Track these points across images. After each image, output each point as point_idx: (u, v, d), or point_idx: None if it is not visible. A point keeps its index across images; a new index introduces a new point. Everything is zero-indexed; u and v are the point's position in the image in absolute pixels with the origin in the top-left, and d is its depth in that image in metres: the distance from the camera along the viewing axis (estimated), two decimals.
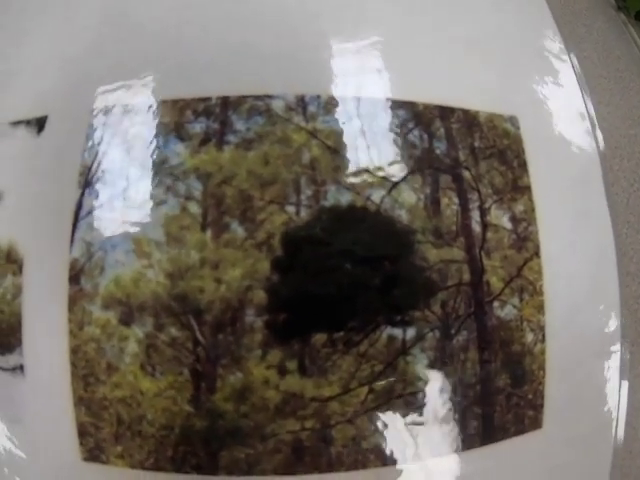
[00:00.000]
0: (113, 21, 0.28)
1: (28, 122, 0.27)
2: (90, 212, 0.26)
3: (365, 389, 0.26)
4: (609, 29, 0.36)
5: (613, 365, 0.31)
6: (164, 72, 0.27)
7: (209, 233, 0.26)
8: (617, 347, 0.31)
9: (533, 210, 0.29)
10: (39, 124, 0.27)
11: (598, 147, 0.32)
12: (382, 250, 0.26)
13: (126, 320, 0.25)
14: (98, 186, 0.26)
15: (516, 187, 0.29)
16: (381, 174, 0.27)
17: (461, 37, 0.30)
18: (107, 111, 0.27)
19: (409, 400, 0.26)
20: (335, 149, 0.27)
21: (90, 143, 0.26)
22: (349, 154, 0.27)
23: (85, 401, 0.26)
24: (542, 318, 0.29)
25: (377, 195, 0.27)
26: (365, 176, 0.27)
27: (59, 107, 0.27)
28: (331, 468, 0.26)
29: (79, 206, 0.26)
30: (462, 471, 0.28)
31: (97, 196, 0.26)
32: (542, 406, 0.29)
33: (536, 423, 0.29)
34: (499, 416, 0.28)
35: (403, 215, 0.27)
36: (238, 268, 0.25)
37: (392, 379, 0.26)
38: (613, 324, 0.31)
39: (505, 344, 0.28)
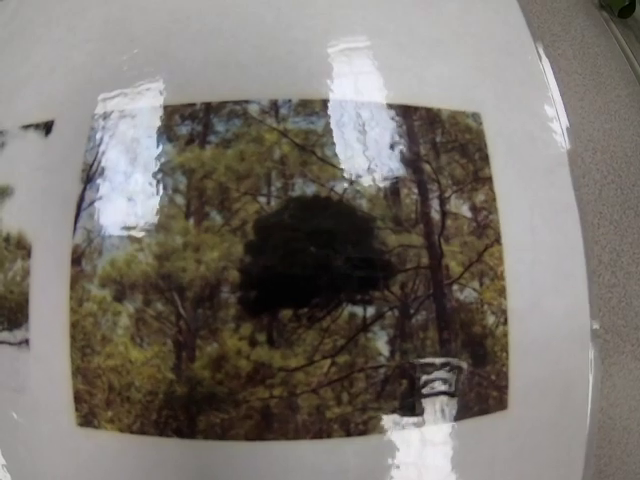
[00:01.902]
0: (112, 34, 0.33)
1: (37, 125, 0.32)
2: (91, 204, 0.31)
3: (328, 361, 0.29)
4: (589, 27, 0.38)
5: (583, 352, 0.33)
6: (156, 81, 0.31)
7: (192, 221, 0.30)
8: (587, 334, 0.33)
9: (494, 200, 0.32)
10: (47, 127, 0.32)
11: (565, 141, 0.34)
12: (344, 235, 0.29)
13: (119, 297, 0.30)
14: (98, 181, 0.31)
15: (477, 178, 0.32)
16: (344, 167, 0.30)
17: (426, 38, 0.33)
18: (106, 116, 0.31)
19: (371, 374, 0.29)
20: (303, 146, 0.30)
21: (91, 144, 0.31)
22: (315, 150, 0.30)
23: (82, 370, 0.30)
24: (504, 302, 0.31)
25: (340, 186, 0.30)
26: (329, 169, 0.30)
27: (64, 112, 0.32)
28: (297, 435, 0.29)
29: (81, 199, 0.31)
30: (425, 446, 0.30)
31: (97, 190, 0.31)
32: (506, 387, 0.31)
33: (501, 404, 0.31)
34: (462, 394, 0.30)
35: (364, 204, 0.30)
36: (216, 251, 0.29)
37: (354, 353, 0.29)
38: (582, 311, 0.33)
39: (465, 325, 0.31)
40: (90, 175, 0.32)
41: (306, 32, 0.33)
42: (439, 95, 0.33)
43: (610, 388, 0.34)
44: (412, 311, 0.30)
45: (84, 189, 0.32)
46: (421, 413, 0.30)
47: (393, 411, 0.30)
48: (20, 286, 0.31)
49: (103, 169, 0.32)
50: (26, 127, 0.33)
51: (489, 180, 0.32)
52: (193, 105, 0.31)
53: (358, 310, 0.29)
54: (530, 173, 0.33)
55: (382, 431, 0.30)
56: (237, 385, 0.29)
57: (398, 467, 0.30)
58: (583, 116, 0.36)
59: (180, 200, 0.30)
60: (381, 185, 0.31)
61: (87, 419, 0.30)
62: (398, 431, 0.30)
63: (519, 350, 0.32)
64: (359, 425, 0.30)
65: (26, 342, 0.31)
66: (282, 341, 0.29)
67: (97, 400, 0.30)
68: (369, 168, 0.31)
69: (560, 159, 0.34)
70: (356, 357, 0.29)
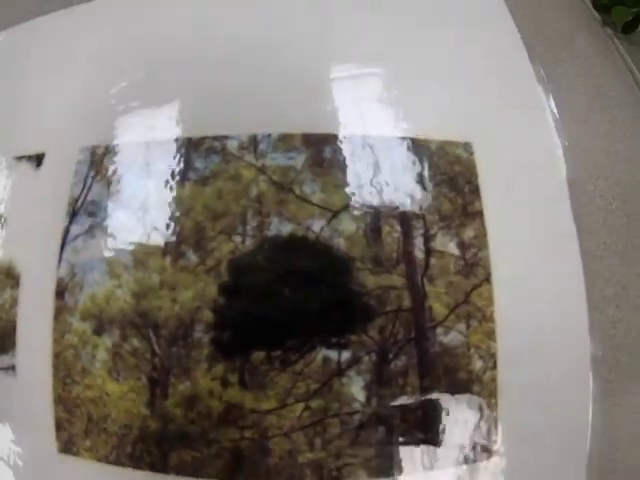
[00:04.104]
0: (102, 65, 0.33)
1: (29, 157, 0.33)
2: (75, 238, 0.32)
3: (301, 405, 0.28)
4: (591, 45, 0.35)
5: (584, 394, 0.31)
6: (140, 116, 0.32)
7: (168, 259, 0.30)
8: (587, 374, 0.31)
9: (485, 235, 0.30)
10: (38, 159, 0.33)
11: (566, 169, 0.32)
12: (319, 276, 0.29)
13: (98, 331, 0.30)
14: (83, 216, 0.32)
15: (466, 213, 0.30)
16: (322, 205, 0.29)
17: (418, 65, 0.32)
18: (93, 150, 0.32)
19: (345, 420, 0.29)
20: (280, 184, 0.30)
21: (77, 178, 0.32)
22: (293, 187, 0.30)
23: (62, 399, 0.31)
24: (493, 344, 0.30)
25: (317, 225, 0.29)
26: (307, 208, 0.30)
27: (54, 144, 0.33)
28: (269, 479, 0.28)
29: (66, 232, 0.32)
30: None
31: (81, 224, 0.32)
32: (495, 434, 0.30)
33: (487, 452, 0.30)
34: (444, 441, 0.29)
35: (342, 243, 0.29)
36: (190, 290, 0.29)
37: (328, 398, 0.28)
38: (583, 350, 0.31)
39: (450, 371, 0.29)
40: (75, 209, 0.33)
41: (290, 61, 0.32)
42: (429, 125, 0.31)
43: (613, 430, 0.32)
44: (391, 356, 0.29)
45: (70, 222, 0.33)
46: (399, 462, 0.29)
47: (369, 459, 0.29)
48: (8, 314, 0.32)
49: (87, 204, 0.32)
50: (19, 158, 0.34)
51: (479, 214, 0.31)
52: (175, 141, 0.31)
53: (333, 354, 0.29)
54: (526, 204, 0.31)
55: (357, 478, 0.29)
56: (208, 425, 0.29)
57: None
58: (586, 139, 0.34)
59: (158, 238, 0.31)
60: (361, 223, 0.30)
61: (67, 446, 0.31)
62: (374, 478, 0.29)
63: (509, 394, 0.30)
64: (332, 472, 0.29)
65: (12, 368, 0.32)
66: (254, 383, 0.29)
67: (76, 429, 0.31)
68: (349, 205, 0.30)
69: (560, 188, 0.32)
70: (330, 402, 0.29)
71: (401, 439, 0.30)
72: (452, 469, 0.30)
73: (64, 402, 0.32)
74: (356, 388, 0.29)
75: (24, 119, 0.36)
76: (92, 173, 0.33)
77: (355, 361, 0.29)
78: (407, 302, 0.30)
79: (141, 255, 0.31)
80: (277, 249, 0.30)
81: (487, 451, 0.30)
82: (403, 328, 0.30)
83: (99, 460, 0.31)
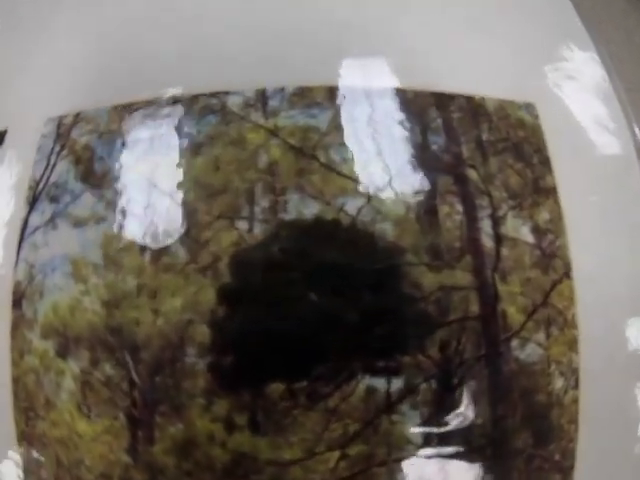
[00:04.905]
0: (78, 29, 0.17)
1: None
2: (34, 231, 0.16)
3: (336, 454, 0.13)
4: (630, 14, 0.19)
5: None
6: (114, 76, 0.15)
7: (147, 256, 0.14)
8: None
9: (561, 218, 0.15)
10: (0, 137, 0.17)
11: (635, 140, 0.16)
12: (359, 275, 0.13)
13: (63, 352, 0.15)
14: (44, 202, 0.16)
15: (538, 189, 0.15)
16: (358, 177, 0.13)
17: (460, 12, 0.16)
18: (59, 120, 0.15)
19: (395, 468, 0.13)
20: (300, 149, 0.14)
21: (40, 155, 0.16)
22: (317, 154, 0.14)
23: (27, 436, 0.15)
24: (575, 357, 0.15)
25: (353, 205, 0.14)
26: (337, 181, 0.14)
27: (18, 118, 0.16)
28: None
29: (25, 224, 0.15)
30: None
31: (42, 212, 0.16)
32: (572, 468, 0.14)
33: None
34: None
35: (388, 230, 0.13)
36: (178, 297, 0.13)
37: (373, 442, 0.13)
38: None
39: (527, 394, 0.14)
40: (36, 194, 0.16)
41: (306, 6, 0.16)
42: (481, 80, 0.16)
43: None
44: (456, 381, 0.14)
45: (29, 211, 0.16)
46: None
47: None
48: None
49: (50, 186, 0.16)
50: None
51: (553, 191, 0.15)
52: (158, 100, 0.15)
53: (379, 383, 0.13)
54: (598, 182, 0.16)
55: None
56: (211, 479, 0.13)
57: None
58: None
59: (134, 227, 0.14)
60: (411, 201, 0.14)
61: None
62: None
63: (590, 419, 0.15)
64: None
65: None
66: (270, 426, 0.13)
67: (46, 473, 0.15)
68: (393, 178, 0.14)
69: (630, 163, 0.16)
70: (376, 447, 0.13)
71: None
72: None
73: (29, 440, 0.16)
74: (410, 427, 0.14)
75: None
76: (57, 148, 0.16)
77: (409, 391, 0.14)
78: (475, 307, 0.14)
79: (113, 251, 0.15)
80: (298, 238, 0.14)
81: None
82: (470, 343, 0.14)
83: None
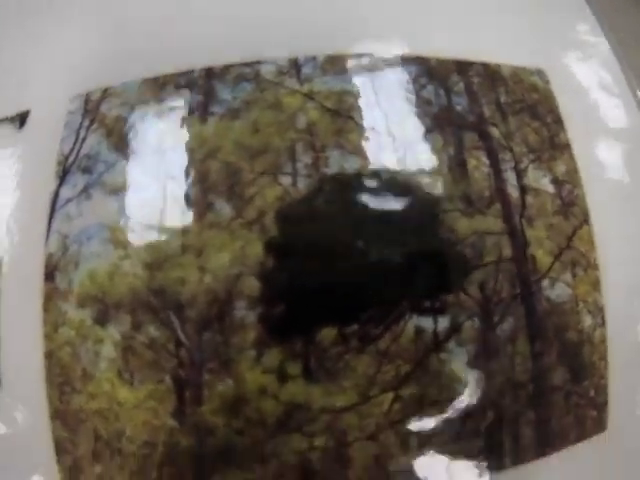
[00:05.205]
0: (95, 6, 0.17)
1: (11, 118, 0.17)
2: (67, 202, 0.16)
3: (389, 396, 0.13)
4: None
5: None
6: (144, 51, 0.16)
7: (191, 214, 0.14)
8: None
9: (576, 171, 0.16)
10: (21, 119, 0.17)
11: (637, 101, 0.18)
12: (401, 222, 0.14)
13: (102, 319, 0.14)
14: (76, 174, 0.16)
15: (554, 145, 0.16)
16: (394, 134, 0.14)
17: None
18: (86, 97, 0.16)
19: (446, 408, 0.13)
20: (336, 111, 0.15)
21: (68, 131, 0.16)
22: (353, 114, 0.15)
23: (61, 413, 0.15)
24: (599, 297, 0.16)
25: (390, 159, 0.14)
26: (374, 137, 0.14)
27: (40, 98, 0.17)
28: None
29: (55, 196, 0.16)
30: None
31: (74, 184, 0.16)
32: (606, 404, 0.15)
33: (600, 425, 0.15)
34: (557, 420, 0.15)
35: (424, 180, 0.14)
36: (225, 253, 0.14)
37: (424, 382, 0.13)
38: None
39: (560, 332, 0.15)
40: (66, 167, 0.16)
41: None
42: (496, 49, 0.17)
43: None
44: (497, 318, 0.14)
45: (59, 184, 0.16)
46: (510, 451, 0.14)
47: (477, 454, 0.14)
48: None
49: (81, 159, 0.16)
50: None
51: (567, 147, 0.17)
52: (190, 72, 0.16)
53: (427, 322, 0.14)
54: (609, 135, 0.17)
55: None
56: (263, 435, 0.14)
57: None
58: None
59: (175, 189, 0.15)
60: (442, 155, 0.15)
61: (72, 474, 0.15)
62: (481, 477, 0.14)
63: (619, 356, 0.16)
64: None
65: None
66: (323, 372, 0.14)
67: (82, 451, 0.15)
68: (425, 134, 0.15)
69: (634, 113, 0.18)
70: (427, 387, 0.14)
71: (512, 423, 0.15)
72: (566, 451, 0.16)
73: (63, 417, 0.15)
74: (459, 364, 0.14)
75: (5, 79, 0.19)
76: (86, 122, 0.17)
77: (455, 329, 0.14)
78: (507, 250, 0.15)
79: (154, 213, 0.15)
80: (342, 190, 0.15)
81: (600, 424, 0.16)
82: (506, 283, 0.15)
83: None
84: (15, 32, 0.19)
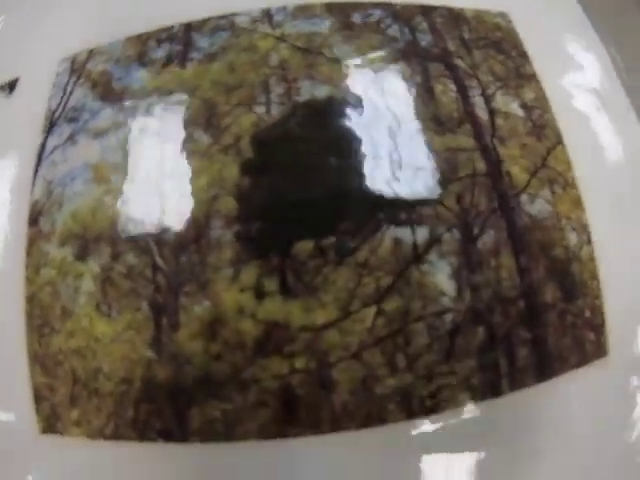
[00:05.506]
0: None
1: (1, 87, 0.18)
2: (53, 150, 0.17)
3: (372, 310, 0.13)
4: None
5: None
6: (127, 16, 0.17)
7: (170, 148, 0.15)
8: None
9: (545, 98, 0.17)
10: (10, 86, 0.18)
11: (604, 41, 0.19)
12: (374, 139, 0.14)
13: (82, 254, 0.15)
14: (62, 125, 0.17)
15: (520, 75, 0.17)
16: (362, 65, 0.15)
17: None
18: (73, 58, 0.17)
19: (434, 323, 0.13)
20: (307, 49, 0.16)
21: (56, 89, 0.17)
22: (323, 51, 0.16)
23: (39, 357, 0.14)
24: (582, 215, 0.15)
25: (359, 86, 0.15)
26: (343, 68, 0.15)
27: (28, 65, 0.18)
28: (337, 425, 0.13)
29: (42, 148, 0.16)
30: (514, 419, 0.13)
31: (60, 134, 0.17)
32: (603, 326, 0.15)
33: (600, 349, 0.15)
34: (554, 340, 0.14)
35: (392, 103, 0.15)
36: (203, 176, 0.14)
37: (407, 295, 0.13)
38: None
39: (545, 248, 0.15)
40: (53, 120, 0.17)
41: None
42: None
43: None
44: (477, 230, 0.14)
45: (46, 137, 0.17)
46: (507, 374, 0.14)
47: (470, 375, 0.13)
48: None
49: (68, 110, 0.17)
50: None
51: (534, 77, 0.17)
52: (170, 28, 0.17)
53: (405, 233, 0.14)
54: (575, 69, 0.18)
55: (459, 404, 0.13)
56: (242, 359, 0.13)
57: (488, 449, 0.14)
58: None
59: (154, 126, 0.15)
60: (409, 81, 0.16)
61: (50, 423, 0.15)
62: (482, 403, 0.13)
63: (610, 275, 0.16)
64: (425, 400, 0.13)
65: None
66: (301, 287, 0.13)
67: (60, 396, 0.14)
68: (390, 65, 0.16)
69: (599, 49, 0.19)
70: (411, 300, 0.14)
71: (505, 342, 0.14)
72: (567, 375, 0.15)
73: (42, 361, 0.15)
74: (442, 277, 0.14)
75: None
76: (73, 79, 0.18)
77: (435, 240, 0.14)
78: (481, 165, 0.16)
79: (134, 149, 0.16)
80: (314, 114, 0.15)
81: (599, 348, 0.15)
82: (483, 196, 0.15)
83: (91, 436, 0.14)
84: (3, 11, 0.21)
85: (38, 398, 0.15)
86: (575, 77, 0.19)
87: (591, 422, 0.15)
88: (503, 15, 0.19)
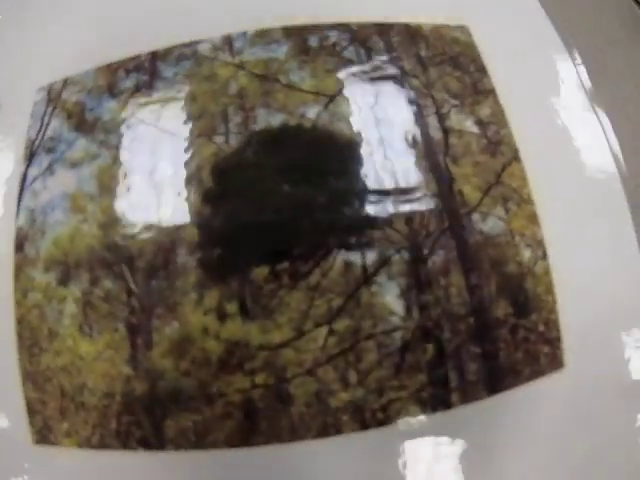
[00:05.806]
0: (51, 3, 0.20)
1: None
2: (34, 180, 0.18)
3: (323, 330, 0.14)
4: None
5: None
6: (97, 41, 0.18)
7: (137, 177, 0.16)
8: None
9: (502, 113, 0.17)
10: None
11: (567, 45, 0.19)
12: (323, 166, 0.15)
13: (64, 279, 0.16)
14: (41, 155, 0.18)
15: (477, 91, 0.17)
16: (315, 90, 0.16)
17: None
18: (49, 87, 0.18)
19: (383, 341, 0.14)
20: (264, 75, 0.16)
21: (34, 119, 0.18)
22: (279, 77, 0.16)
23: (31, 375, 0.16)
24: (538, 230, 0.16)
25: (312, 111, 0.16)
26: (298, 95, 0.16)
27: (7, 92, 0.19)
28: (295, 435, 0.14)
29: (24, 177, 0.18)
30: (468, 430, 0.15)
31: (40, 164, 0.18)
32: (559, 339, 0.16)
33: (555, 362, 0.16)
34: (505, 355, 0.15)
35: (344, 127, 0.16)
36: (169, 206, 0.15)
37: (357, 315, 0.14)
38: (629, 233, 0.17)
39: (497, 264, 0.16)
40: (33, 150, 0.19)
41: None
42: (417, 11, 0.19)
43: None
44: (426, 251, 0.15)
45: (27, 166, 0.18)
46: (457, 388, 0.15)
47: (420, 389, 0.15)
48: None
49: (46, 141, 0.18)
50: None
51: (492, 92, 0.18)
52: (138, 57, 0.18)
53: (355, 257, 0.15)
54: (535, 80, 0.18)
55: (409, 415, 0.14)
56: (208, 375, 0.15)
57: (438, 461, 0.15)
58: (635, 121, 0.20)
59: (125, 158, 0.17)
60: (361, 104, 0.16)
61: (42, 434, 0.16)
62: (431, 415, 0.15)
63: (566, 290, 0.16)
64: (377, 413, 0.14)
65: None
66: (259, 310, 0.15)
67: (51, 410, 0.16)
68: (343, 88, 0.17)
69: (563, 56, 0.19)
70: (361, 320, 0.15)
71: (455, 357, 0.15)
72: (521, 388, 0.16)
73: (33, 378, 0.17)
74: (391, 297, 0.15)
75: None
76: (49, 109, 0.19)
77: (384, 262, 0.15)
78: (432, 185, 0.16)
79: (106, 179, 0.17)
80: (268, 142, 0.16)
81: (555, 360, 0.16)
82: (434, 217, 0.16)
83: (80, 445, 0.16)
84: None
85: (31, 412, 0.17)
86: (536, 91, 0.19)
87: (547, 434, 0.16)
88: (463, 29, 0.19)
